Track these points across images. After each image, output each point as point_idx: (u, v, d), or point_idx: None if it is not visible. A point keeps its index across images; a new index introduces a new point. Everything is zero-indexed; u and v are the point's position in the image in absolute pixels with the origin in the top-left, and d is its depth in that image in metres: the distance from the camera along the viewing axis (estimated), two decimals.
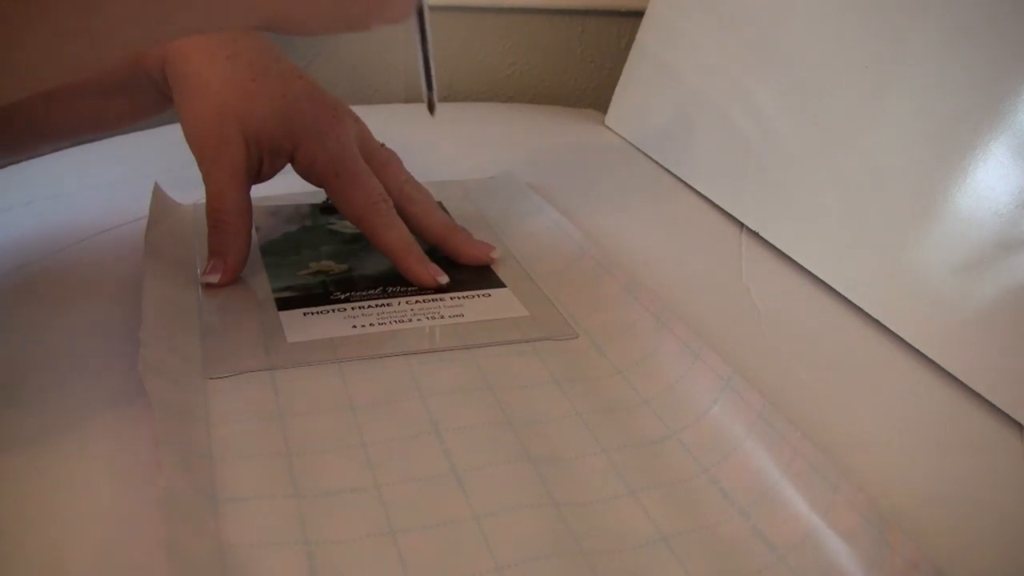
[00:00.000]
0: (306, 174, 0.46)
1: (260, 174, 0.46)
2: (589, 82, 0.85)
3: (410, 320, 0.42)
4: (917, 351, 0.41)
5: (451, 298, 0.44)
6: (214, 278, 0.43)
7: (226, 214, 0.44)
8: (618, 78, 0.73)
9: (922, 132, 0.44)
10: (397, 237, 0.45)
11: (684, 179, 0.61)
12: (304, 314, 0.42)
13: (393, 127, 0.51)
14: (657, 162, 0.65)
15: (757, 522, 0.30)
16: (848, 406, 0.38)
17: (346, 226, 0.51)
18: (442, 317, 0.42)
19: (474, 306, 0.43)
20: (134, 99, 0.49)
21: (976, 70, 0.41)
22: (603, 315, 0.43)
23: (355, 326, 0.41)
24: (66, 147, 0.61)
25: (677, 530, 0.30)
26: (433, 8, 0.81)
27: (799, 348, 0.42)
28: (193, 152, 0.45)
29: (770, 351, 0.42)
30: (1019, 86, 0.39)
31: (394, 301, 0.43)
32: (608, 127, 0.73)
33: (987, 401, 0.38)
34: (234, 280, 0.44)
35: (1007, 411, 0.37)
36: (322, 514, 0.30)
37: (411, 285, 0.45)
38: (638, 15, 0.71)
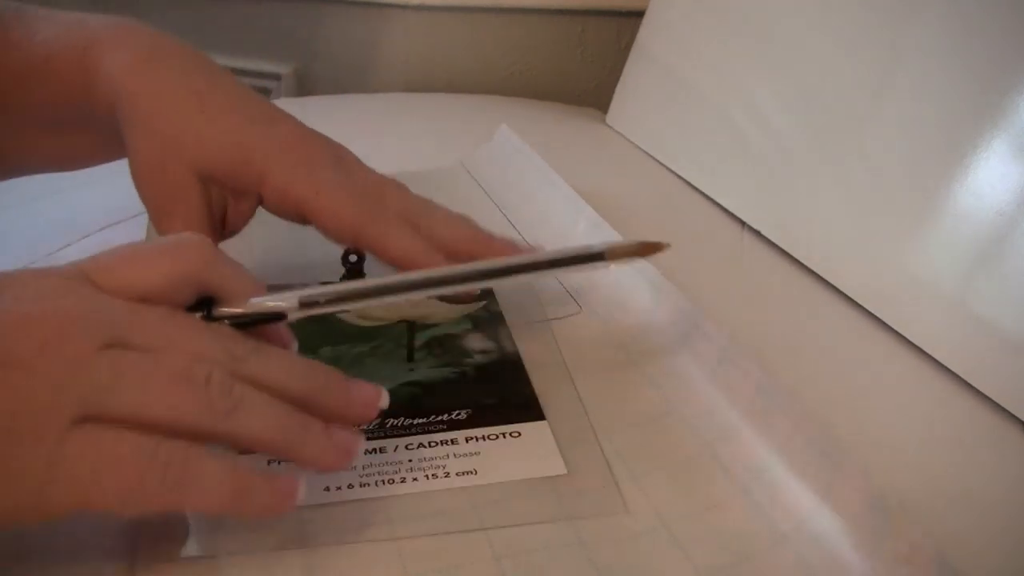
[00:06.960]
0: (281, 204, 0.37)
1: (225, 222, 0.38)
2: (589, 82, 0.85)
3: (404, 479, 0.32)
4: (920, 349, 0.41)
5: (466, 439, 0.34)
6: None
7: None
8: (618, 78, 0.73)
9: (923, 131, 0.44)
10: (411, 242, 0.36)
11: (685, 177, 0.61)
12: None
13: (390, 117, 0.51)
14: (658, 160, 0.65)
15: (760, 499, 0.30)
16: (851, 404, 0.38)
17: (352, 318, 0.41)
18: (447, 475, 0.32)
19: (495, 453, 0.33)
20: (104, 135, 0.39)
21: (976, 70, 0.41)
22: (671, 482, 0.32)
23: (328, 488, 0.31)
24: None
25: (677, 514, 0.30)
26: (433, 8, 0.82)
27: (801, 347, 0.42)
28: (144, 204, 0.37)
29: (771, 349, 0.42)
30: (1019, 85, 0.39)
31: (389, 444, 0.33)
32: (609, 126, 0.73)
33: (990, 399, 0.38)
34: None
35: (1010, 409, 0.37)
36: None
37: (415, 417, 0.35)
38: (638, 15, 0.71)
